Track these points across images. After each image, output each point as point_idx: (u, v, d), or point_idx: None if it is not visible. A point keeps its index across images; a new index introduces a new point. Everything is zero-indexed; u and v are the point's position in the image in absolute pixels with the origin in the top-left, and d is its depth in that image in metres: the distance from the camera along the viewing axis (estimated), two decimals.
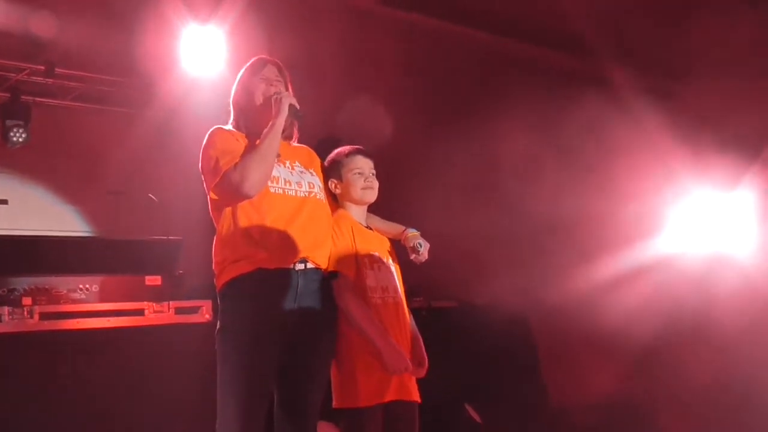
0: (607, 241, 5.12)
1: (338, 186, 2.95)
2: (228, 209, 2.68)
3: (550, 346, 4.93)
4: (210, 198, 2.75)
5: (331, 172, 2.97)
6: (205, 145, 2.73)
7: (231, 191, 2.63)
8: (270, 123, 2.69)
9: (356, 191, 2.93)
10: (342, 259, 2.79)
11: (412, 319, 3.01)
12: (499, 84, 5.39)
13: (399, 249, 3.02)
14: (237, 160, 2.63)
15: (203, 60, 4.95)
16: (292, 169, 2.81)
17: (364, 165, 2.96)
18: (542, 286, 5.06)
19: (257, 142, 2.68)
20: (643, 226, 5.17)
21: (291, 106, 2.74)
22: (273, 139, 2.66)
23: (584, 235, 5.19)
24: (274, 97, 2.74)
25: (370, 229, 2.98)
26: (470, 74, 5.69)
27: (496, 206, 5.31)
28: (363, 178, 2.94)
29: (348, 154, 2.97)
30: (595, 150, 5.07)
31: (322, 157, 3.01)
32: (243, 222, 2.66)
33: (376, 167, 3.00)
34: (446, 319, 4.86)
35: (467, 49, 5.48)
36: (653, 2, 4.85)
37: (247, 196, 2.63)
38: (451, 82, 5.71)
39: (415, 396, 2.87)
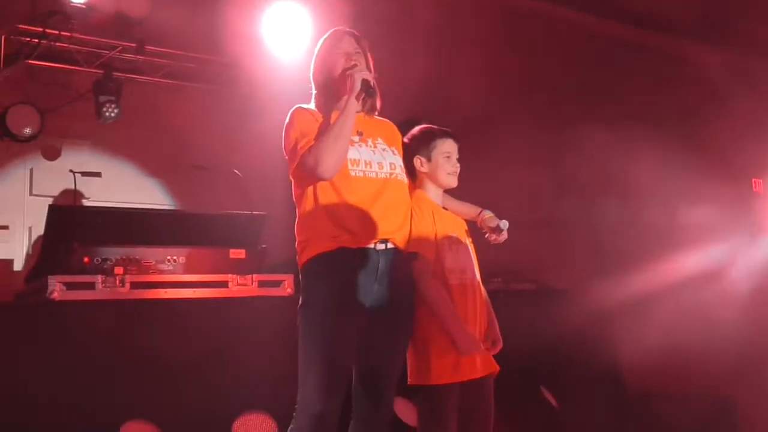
0: (693, 236, 4.96)
1: (425, 165, 2.93)
2: (310, 190, 2.69)
3: (630, 334, 4.81)
4: (292, 178, 2.79)
5: (419, 149, 2.93)
6: (286, 125, 2.75)
7: (307, 174, 2.65)
8: (343, 101, 2.68)
9: (443, 175, 2.93)
10: (422, 241, 2.79)
11: (488, 299, 3.01)
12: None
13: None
14: (313, 142, 2.64)
15: (288, 37, 5.01)
16: (375, 146, 2.79)
17: (453, 149, 2.94)
18: (624, 276, 4.95)
19: (332, 122, 2.67)
20: (731, 222, 4.98)
21: (364, 81, 2.68)
22: (346, 120, 2.64)
23: (671, 230, 5.05)
24: (347, 72, 2.71)
25: (446, 210, 2.98)
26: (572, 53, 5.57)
27: (580, 195, 5.21)
28: (451, 163, 2.93)
29: (440, 136, 2.94)
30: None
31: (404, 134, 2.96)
32: (325, 204, 2.66)
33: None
34: (523, 301, 4.82)
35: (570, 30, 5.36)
36: None
37: (323, 179, 2.64)
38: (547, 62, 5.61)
39: (492, 367, 2.88)
